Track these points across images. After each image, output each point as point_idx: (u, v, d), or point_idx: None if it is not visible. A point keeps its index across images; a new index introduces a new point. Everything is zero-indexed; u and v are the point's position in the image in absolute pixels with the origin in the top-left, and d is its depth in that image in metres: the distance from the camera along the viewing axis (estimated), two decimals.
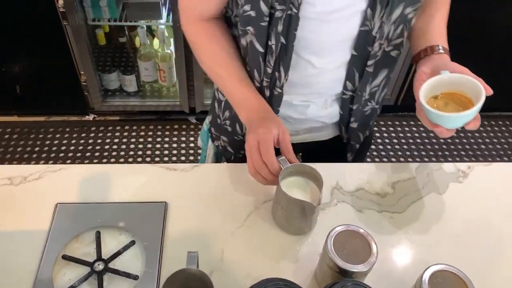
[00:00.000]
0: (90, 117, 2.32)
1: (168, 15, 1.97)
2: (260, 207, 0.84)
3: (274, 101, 0.89)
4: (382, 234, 0.81)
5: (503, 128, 2.49)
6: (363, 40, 0.81)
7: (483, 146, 2.38)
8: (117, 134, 2.28)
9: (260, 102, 0.85)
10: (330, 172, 0.91)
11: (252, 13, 0.77)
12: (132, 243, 0.78)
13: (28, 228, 0.79)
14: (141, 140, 2.26)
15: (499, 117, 2.54)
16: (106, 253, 0.77)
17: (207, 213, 0.83)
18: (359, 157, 1.07)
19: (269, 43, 0.80)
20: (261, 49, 0.81)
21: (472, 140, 2.41)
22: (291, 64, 0.82)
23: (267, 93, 0.88)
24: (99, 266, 0.74)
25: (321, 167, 0.91)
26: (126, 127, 2.31)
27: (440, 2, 0.89)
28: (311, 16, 0.76)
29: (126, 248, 0.78)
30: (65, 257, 0.76)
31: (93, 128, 2.29)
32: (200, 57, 0.89)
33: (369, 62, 0.84)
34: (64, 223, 0.81)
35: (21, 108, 2.29)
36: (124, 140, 2.25)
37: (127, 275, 0.74)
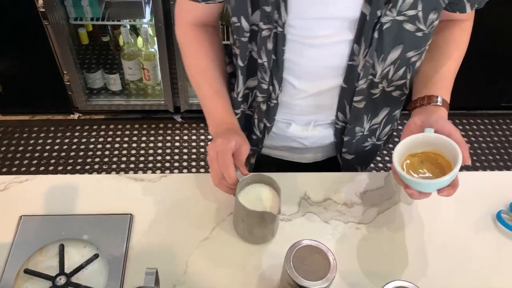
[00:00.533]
0: (75, 116, 2.31)
1: (151, 13, 1.95)
2: (226, 218, 0.84)
3: (271, 112, 0.89)
4: (346, 246, 0.82)
5: (489, 127, 2.50)
6: (351, 74, 0.80)
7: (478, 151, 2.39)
8: (102, 133, 2.27)
9: (230, 117, 0.86)
10: (299, 182, 0.91)
11: (239, 26, 0.77)
12: (96, 256, 0.78)
13: None
14: (126, 139, 2.25)
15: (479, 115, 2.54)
16: (70, 266, 0.77)
17: (173, 225, 0.83)
18: None
19: (260, 61, 0.80)
20: (241, 63, 0.82)
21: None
22: None
23: (264, 107, 0.88)
24: (61, 281, 0.74)
25: (290, 177, 0.92)
26: (111, 126, 2.30)
27: (453, 45, 0.85)
28: (293, 38, 0.76)
29: (89, 261, 0.77)
30: (27, 271, 0.75)
31: (78, 127, 2.28)
32: (185, 60, 0.89)
33: (356, 98, 0.83)
34: (28, 235, 0.80)
35: (4, 107, 2.27)
36: (109, 139, 2.24)
37: None
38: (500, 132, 2.47)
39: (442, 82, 0.81)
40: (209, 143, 0.83)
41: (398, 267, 0.79)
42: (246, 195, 0.78)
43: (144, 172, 2.12)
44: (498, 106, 2.49)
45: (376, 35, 0.73)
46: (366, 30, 0.72)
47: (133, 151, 2.20)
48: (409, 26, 0.73)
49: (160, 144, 2.24)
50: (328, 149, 0.99)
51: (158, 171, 2.12)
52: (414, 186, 0.71)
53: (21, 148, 2.17)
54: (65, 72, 2.03)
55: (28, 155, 2.14)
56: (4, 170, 2.07)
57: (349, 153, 0.96)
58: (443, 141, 0.71)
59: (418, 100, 0.80)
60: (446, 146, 0.71)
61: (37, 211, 0.83)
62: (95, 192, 0.86)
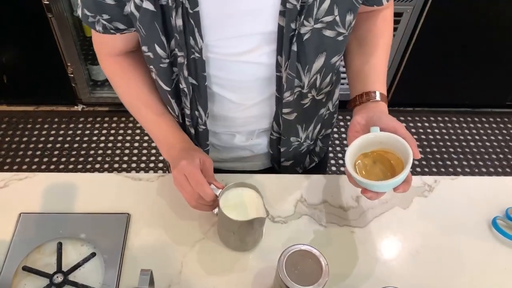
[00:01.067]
0: (79, 107, 2.32)
1: None
2: None
3: (200, 138, 0.88)
4: (341, 249, 0.82)
5: (486, 125, 2.48)
6: (280, 85, 0.78)
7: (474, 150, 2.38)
8: (106, 125, 2.28)
9: (179, 136, 0.84)
10: (295, 184, 0.91)
11: (151, 55, 0.75)
12: (93, 255, 0.79)
13: None
14: (129, 131, 2.26)
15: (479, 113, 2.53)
16: (67, 264, 0.78)
17: (169, 225, 0.83)
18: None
19: (181, 86, 0.77)
20: (166, 87, 0.80)
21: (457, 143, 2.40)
22: (208, 99, 0.80)
23: (192, 131, 0.87)
24: (58, 279, 0.76)
25: (287, 179, 0.92)
26: (115, 118, 2.32)
27: (378, 34, 0.84)
28: (217, 57, 0.74)
29: (86, 260, 0.79)
30: (25, 268, 0.77)
31: (81, 119, 2.30)
32: (118, 91, 0.87)
33: (284, 110, 0.81)
34: (27, 233, 0.82)
35: (9, 98, 2.29)
36: (112, 131, 2.26)
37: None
38: (505, 131, 2.45)
39: (375, 75, 0.81)
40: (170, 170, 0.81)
41: (391, 272, 0.80)
42: (227, 202, 0.76)
43: (147, 164, 2.13)
44: (503, 105, 2.48)
45: (294, 47, 0.71)
46: (284, 42, 0.71)
47: (136, 144, 2.21)
48: (328, 33, 0.72)
49: None
50: (268, 156, 0.98)
51: (161, 164, 2.13)
52: (370, 188, 0.71)
53: (25, 139, 2.18)
54: (69, 64, 2.04)
55: (32, 146, 2.16)
56: (8, 160, 2.09)
57: (288, 160, 0.95)
58: (392, 139, 0.72)
59: (357, 98, 0.80)
60: (395, 145, 0.72)
61: (36, 208, 0.84)
62: (93, 191, 0.87)
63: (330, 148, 2.09)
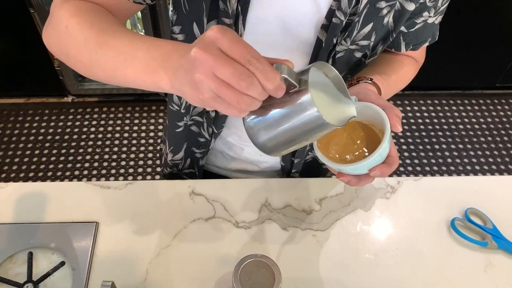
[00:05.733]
0: (69, 98, 2.34)
1: None
2: (188, 226, 0.87)
3: (220, 118, 0.85)
4: (302, 253, 0.85)
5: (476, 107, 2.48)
6: None
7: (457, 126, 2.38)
8: (95, 116, 2.31)
9: (173, 41, 0.56)
10: (261, 188, 0.94)
11: (180, 37, 0.74)
12: (62, 264, 0.83)
13: None
14: (118, 122, 2.29)
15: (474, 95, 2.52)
16: (38, 273, 0.82)
17: (136, 232, 0.86)
18: None
19: None
20: None
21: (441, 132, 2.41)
22: None
23: (213, 113, 0.85)
24: None
25: (252, 183, 0.94)
26: (104, 109, 2.33)
27: (404, 63, 0.83)
28: None
29: (55, 269, 0.82)
30: None
31: (71, 110, 2.32)
32: (77, 35, 0.60)
33: None
34: None
35: None
36: (102, 122, 2.28)
37: None
38: (494, 113, 2.45)
39: (382, 76, 0.76)
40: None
41: (351, 274, 0.83)
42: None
43: (137, 154, 2.16)
44: (492, 86, 2.47)
45: (330, 62, 0.73)
46: (321, 56, 0.72)
47: (126, 134, 2.23)
48: (359, 55, 0.74)
49: (152, 127, 2.27)
50: (279, 173, 1.02)
51: (150, 154, 2.16)
52: (342, 171, 0.61)
53: (16, 132, 2.21)
54: (55, 57, 2.04)
55: (23, 138, 2.19)
56: (0, 153, 2.13)
57: (297, 172, 0.98)
58: (369, 110, 0.61)
59: (347, 82, 0.73)
60: (373, 116, 0.61)
61: (8, 219, 0.87)
62: (63, 200, 0.90)
63: None
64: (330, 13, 0.68)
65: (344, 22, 0.68)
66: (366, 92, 0.66)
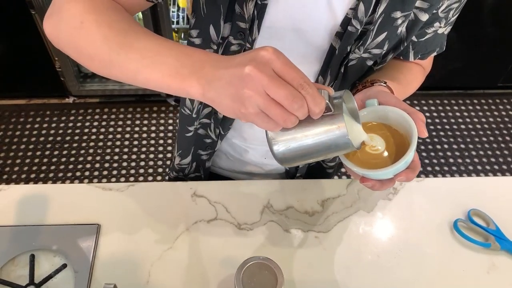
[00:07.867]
0: (70, 99, 2.34)
1: None
2: (190, 228, 0.87)
3: (227, 121, 0.86)
4: (304, 255, 0.85)
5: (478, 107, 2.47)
6: None
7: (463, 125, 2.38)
8: (97, 117, 2.31)
9: (203, 50, 0.57)
10: (263, 190, 0.93)
11: (197, 41, 0.75)
12: (64, 266, 0.83)
13: None
14: (120, 123, 2.29)
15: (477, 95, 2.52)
16: (40, 275, 0.82)
17: (138, 234, 0.86)
18: None
19: None
20: None
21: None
22: None
23: (220, 115, 0.85)
24: None
25: (252, 185, 0.94)
26: (106, 110, 2.34)
27: (413, 70, 0.83)
28: None
29: (57, 271, 0.82)
30: None
31: (73, 111, 2.32)
32: (94, 37, 0.57)
33: None
34: (1, 246, 0.85)
35: (1, 91, 2.31)
36: (104, 123, 2.28)
37: None
38: (496, 112, 2.45)
39: (394, 80, 0.75)
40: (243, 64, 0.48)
41: (353, 276, 0.82)
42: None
43: (139, 155, 2.16)
44: (495, 86, 2.46)
45: (342, 70, 0.73)
46: (333, 63, 0.72)
47: (127, 135, 2.23)
48: (370, 63, 0.74)
49: (153, 128, 2.27)
50: (283, 176, 1.02)
51: (152, 155, 2.16)
52: (367, 176, 0.61)
53: (18, 133, 2.22)
54: (56, 59, 2.05)
55: (24, 139, 2.19)
56: (2, 155, 2.13)
57: (302, 176, 0.98)
58: (393, 114, 0.61)
59: (360, 85, 0.72)
60: (397, 120, 0.61)
61: (10, 221, 0.87)
62: (64, 202, 0.90)
63: None
64: (346, 21, 0.67)
65: (359, 31, 0.68)
66: (385, 95, 0.65)
